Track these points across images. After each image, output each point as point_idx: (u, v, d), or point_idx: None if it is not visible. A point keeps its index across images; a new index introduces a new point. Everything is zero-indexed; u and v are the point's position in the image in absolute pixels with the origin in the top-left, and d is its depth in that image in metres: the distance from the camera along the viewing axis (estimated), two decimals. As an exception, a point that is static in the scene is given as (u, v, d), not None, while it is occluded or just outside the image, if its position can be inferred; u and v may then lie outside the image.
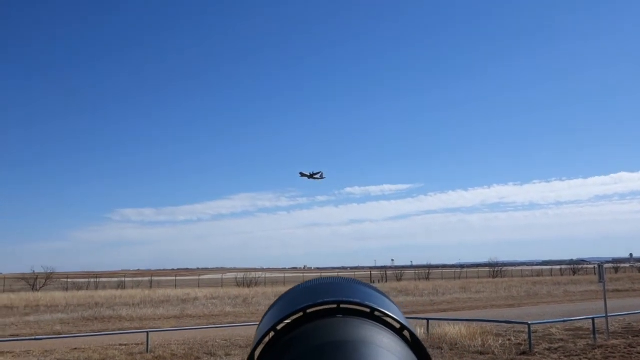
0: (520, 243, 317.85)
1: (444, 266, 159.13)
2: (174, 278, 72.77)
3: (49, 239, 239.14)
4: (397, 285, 54.68)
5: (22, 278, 61.68)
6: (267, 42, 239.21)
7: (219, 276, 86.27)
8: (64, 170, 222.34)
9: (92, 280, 60.86)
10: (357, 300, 0.68)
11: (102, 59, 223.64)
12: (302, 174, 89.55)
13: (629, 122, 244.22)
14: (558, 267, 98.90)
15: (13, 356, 15.02)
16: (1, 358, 14.29)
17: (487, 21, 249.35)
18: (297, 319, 0.68)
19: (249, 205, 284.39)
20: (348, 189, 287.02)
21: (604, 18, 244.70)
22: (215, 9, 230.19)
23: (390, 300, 0.76)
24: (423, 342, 0.68)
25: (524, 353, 13.75)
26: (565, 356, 13.35)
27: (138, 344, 16.25)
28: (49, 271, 63.61)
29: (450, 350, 14.33)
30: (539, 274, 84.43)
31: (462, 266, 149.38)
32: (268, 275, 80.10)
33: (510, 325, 17.33)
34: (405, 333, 0.69)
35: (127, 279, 66.32)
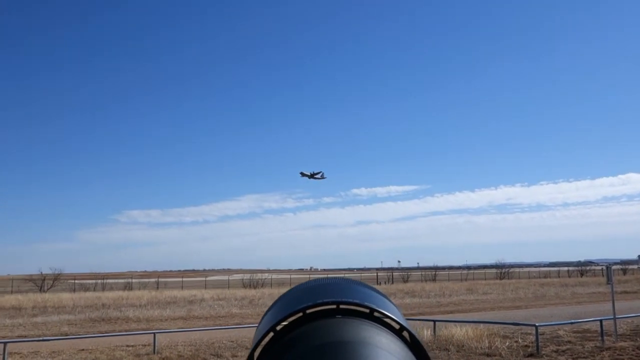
0: (528, 244, 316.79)
1: (451, 268, 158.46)
2: (180, 279, 73.07)
3: (57, 240, 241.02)
4: (403, 286, 54.53)
5: (30, 279, 62.05)
6: (266, 42, 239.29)
7: (225, 277, 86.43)
8: (72, 172, 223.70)
9: (99, 281, 61.14)
10: (357, 301, 0.68)
11: (106, 58, 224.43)
12: (303, 174, 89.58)
13: (636, 122, 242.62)
14: (565, 268, 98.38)
15: (21, 357, 15.10)
16: (9, 359, 14.37)
17: (494, 21, 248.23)
18: (296, 319, 0.68)
19: (255, 206, 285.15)
20: (354, 190, 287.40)
21: (604, 18, 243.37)
22: (215, 9, 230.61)
23: (389, 300, 0.76)
24: (430, 344, 0.68)
25: (531, 355, 13.68)
26: (573, 358, 13.28)
27: (145, 345, 16.31)
28: (56, 272, 63.94)
29: (457, 352, 14.27)
30: (546, 275, 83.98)
31: (468, 268, 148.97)
32: (274, 276, 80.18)
33: (517, 327, 17.24)
34: (405, 334, 0.69)
35: (133, 280, 66.53)
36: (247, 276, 66.21)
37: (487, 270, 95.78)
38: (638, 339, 15.47)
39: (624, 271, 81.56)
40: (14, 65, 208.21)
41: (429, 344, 15.25)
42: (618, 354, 13.34)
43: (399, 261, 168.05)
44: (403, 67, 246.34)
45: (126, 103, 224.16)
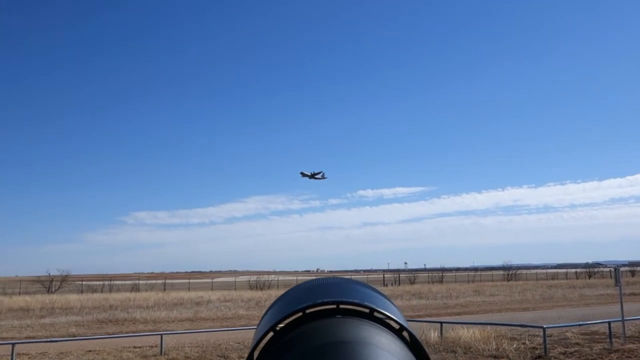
0: (535, 246, 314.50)
1: (458, 269, 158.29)
2: (187, 281, 73.20)
3: (64, 242, 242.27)
4: (410, 288, 54.41)
5: (38, 280, 62.43)
6: (266, 42, 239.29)
7: (231, 279, 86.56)
8: (79, 173, 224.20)
9: (107, 282, 61.43)
10: (356, 301, 0.68)
11: (106, 58, 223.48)
12: (303, 174, 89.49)
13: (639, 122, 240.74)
14: (573, 270, 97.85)
15: (29, 358, 15.20)
16: (17, 360, 14.47)
17: (494, 21, 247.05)
18: (296, 319, 0.68)
19: (261, 208, 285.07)
20: (361, 192, 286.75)
21: (604, 18, 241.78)
22: (215, 9, 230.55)
23: (389, 300, 0.76)
24: (437, 346, 0.68)
25: (539, 357, 13.61)
26: (581, 360, 13.20)
27: (152, 347, 16.37)
28: (64, 274, 64.41)
29: (464, 353, 14.22)
30: (554, 277, 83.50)
31: (475, 269, 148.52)
32: (281, 278, 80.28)
33: (524, 329, 17.14)
34: (405, 334, 0.69)
35: (140, 282, 66.86)
36: (253, 278, 66.40)
37: (495, 272, 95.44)
38: (647, 341, 15.36)
39: (632, 273, 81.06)
40: (14, 65, 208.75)
41: (436, 346, 15.20)
42: (626, 356, 13.24)
43: (405, 263, 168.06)
44: (403, 67, 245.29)
45: (126, 103, 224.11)
